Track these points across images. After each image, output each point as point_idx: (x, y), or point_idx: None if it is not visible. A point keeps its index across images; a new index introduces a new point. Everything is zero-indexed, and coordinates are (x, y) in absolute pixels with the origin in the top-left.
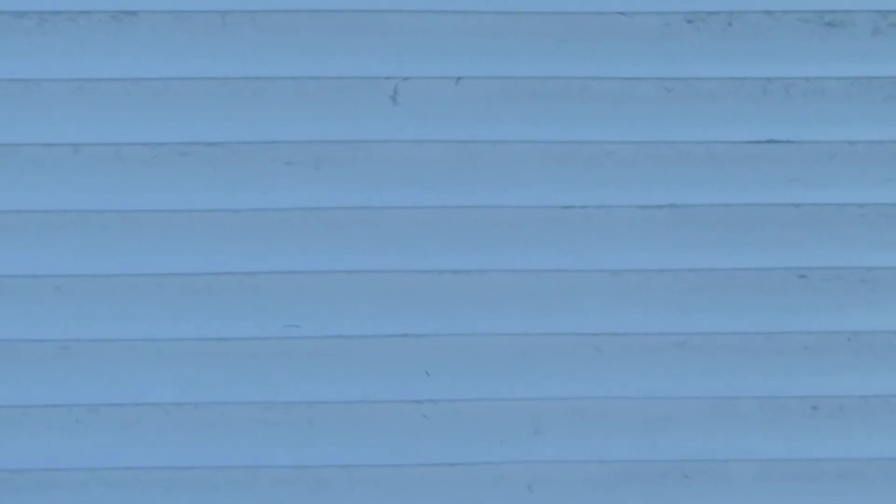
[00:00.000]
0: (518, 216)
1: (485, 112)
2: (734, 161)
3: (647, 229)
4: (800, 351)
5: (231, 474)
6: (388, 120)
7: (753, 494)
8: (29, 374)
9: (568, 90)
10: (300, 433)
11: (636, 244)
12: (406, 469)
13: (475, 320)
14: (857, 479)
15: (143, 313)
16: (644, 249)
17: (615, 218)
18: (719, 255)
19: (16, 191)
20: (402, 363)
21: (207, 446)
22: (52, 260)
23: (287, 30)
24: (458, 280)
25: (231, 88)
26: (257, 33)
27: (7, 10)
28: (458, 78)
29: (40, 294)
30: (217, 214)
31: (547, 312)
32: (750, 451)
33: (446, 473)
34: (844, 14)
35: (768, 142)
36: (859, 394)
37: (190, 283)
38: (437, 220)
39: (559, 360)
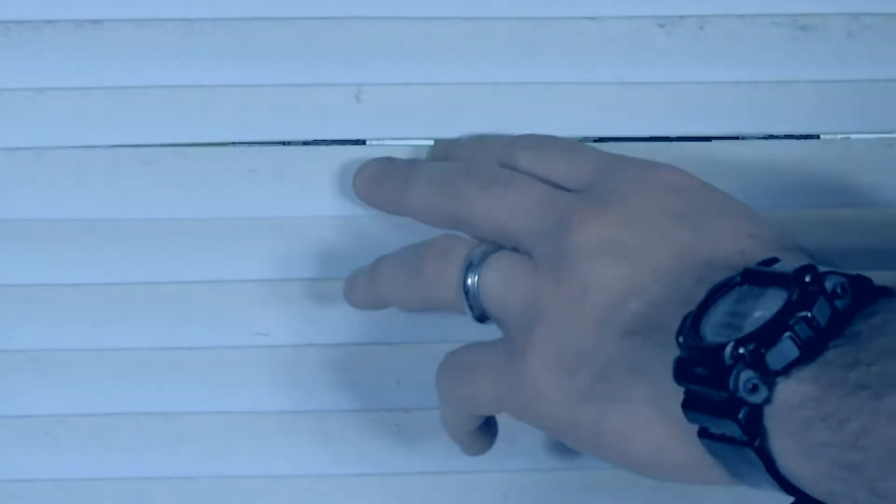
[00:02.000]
0: None
1: (451, 119)
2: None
3: None
4: None
5: (203, 484)
6: (352, 125)
7: (730, 497)
8: None
9: (538, 96)
10: (271, 443)
11: None
12: (379, 478)
13: (445, 327)
14: None
15: (112, 323)
16: None
17: None
18: None
19: None
20: (373, 371)
21: (178, 456)
22: (18, 270)
23: (251, 37)
24: None
25: (196, 97)
26: (222, 41)
27: None
28: (421, 84)
29: (8, 304)
30: (183, 223)
31: None
32: None
33: (419, 482)
34: (818, 17)
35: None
36: None
37: (158, 292)
38: (402, 227)
39: None
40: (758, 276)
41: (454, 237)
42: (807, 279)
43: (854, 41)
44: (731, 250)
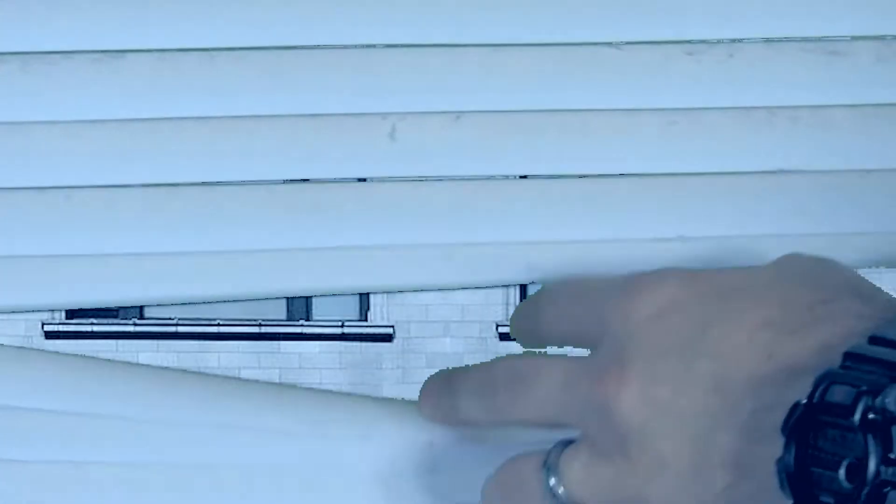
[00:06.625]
0: (523, 253)
1: (485, 148)
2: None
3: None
4: None
5: None
6: (386, 158)
7: None
8: None
9: (569, 124)
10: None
11: None
12: None
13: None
14: None
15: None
16: None
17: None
18: None
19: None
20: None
21: None
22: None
23: (277, 67)
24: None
25: (221, 128)
26: (247, 72)
27: None
28: (459, 113)
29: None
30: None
31: None
32: None
33: None
34: (846, 42)
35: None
36: None
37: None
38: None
39: None
40: (819, 411)
41: (518, 463)
42: (870, 417)
43: (884, 65)
44: (757, 358)
